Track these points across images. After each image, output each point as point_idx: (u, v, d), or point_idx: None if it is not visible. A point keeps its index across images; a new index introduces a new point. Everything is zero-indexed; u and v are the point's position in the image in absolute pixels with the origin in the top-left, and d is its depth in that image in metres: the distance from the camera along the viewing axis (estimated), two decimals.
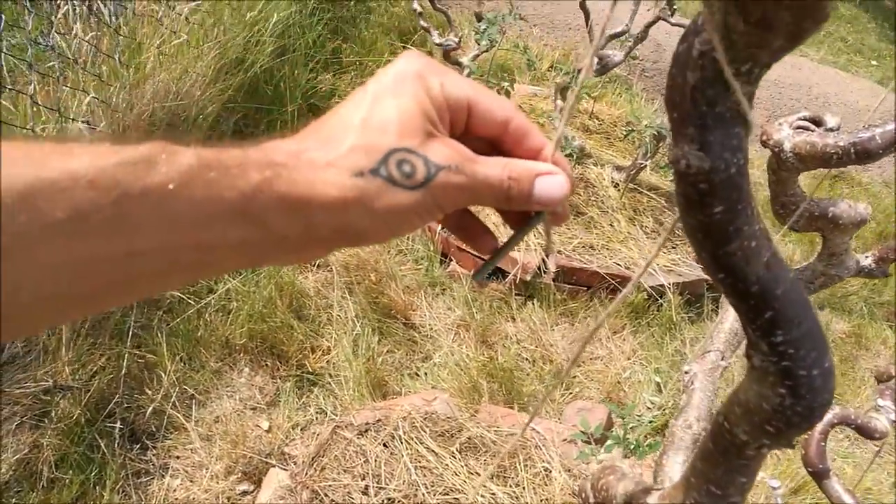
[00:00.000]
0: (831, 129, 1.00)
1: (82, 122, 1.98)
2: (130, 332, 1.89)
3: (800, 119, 1.01)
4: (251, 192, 0.32)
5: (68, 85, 2.02)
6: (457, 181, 0.37)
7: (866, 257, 1.14)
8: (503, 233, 0.47)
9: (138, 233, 0.29)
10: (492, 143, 0.41)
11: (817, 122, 1.02)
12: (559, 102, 2.91)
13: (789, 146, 0.96)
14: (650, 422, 2.10)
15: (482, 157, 0.38)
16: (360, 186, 0.34)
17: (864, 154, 0.86)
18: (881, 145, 0.86)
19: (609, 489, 0.65)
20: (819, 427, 0.70)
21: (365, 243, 0.37)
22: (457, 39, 2.95)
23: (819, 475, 0.68)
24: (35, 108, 1.92)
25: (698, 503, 0.48)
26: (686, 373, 1.09)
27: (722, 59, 0.29)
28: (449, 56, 2.97)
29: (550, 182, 0.40)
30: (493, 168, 0.38)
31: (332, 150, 0.35)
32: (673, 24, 2.95)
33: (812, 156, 0.92)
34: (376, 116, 0.36)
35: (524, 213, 0.43)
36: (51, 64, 2.02)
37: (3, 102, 1.96)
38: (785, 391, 0.40)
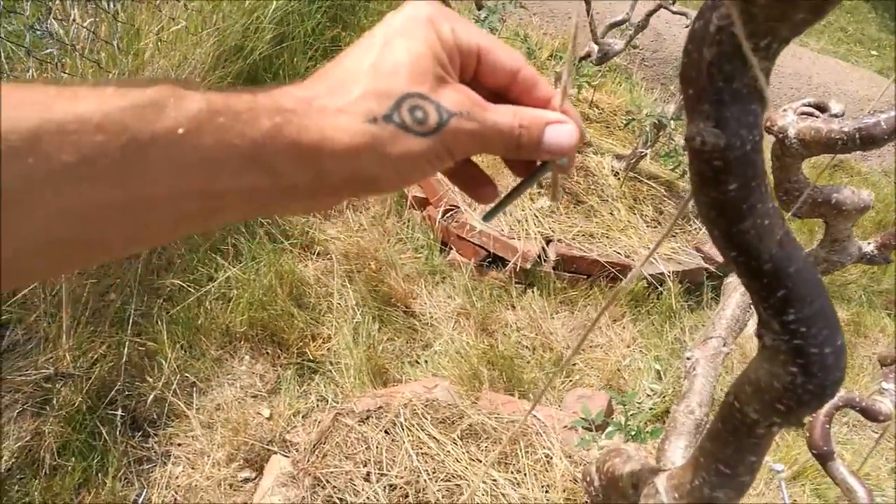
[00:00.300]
0: (836, 115, 1.00)
1: None
2: (131, 320, 1.89)
3: (804, 105, 1.01)
4: (261, 139, 0.31)
5: (66, 71, 2.01)
6: (468, 127, 0.36)
7: (868, 244, 1.15)
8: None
9: (146, 179, 0.29)
10: (499, 92, 0.40)
11: (822, 109, 1.02)
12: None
13: (794, 132, 0.96)
14: (650, 409, 2.11)
15: (492, 105, 0.38)
16: (372, 133, 0.34)
17: (868, 140, 0.86)
18: (886, 131, 0.86)
19: (615, 471, 0.65)
20: (824, 410, 0.70)
21: (375, 191, 0.36)
22: None
23: (824, 457, 0.68)
24: None
25: (707, 482, 0.48)
26: (688, 359, 1.10)
27: (741, 34, 0.29)
28: None
29: (560, 130, 0.39)
30: (504, 115, 0.38)
31: (342, 97, 0.34)
32: (674, 13, 2.94)
33: (817, 141, 0.92)
34: (387, 61, 0.35)
35: (531, 162, 0.43)
36: (49, 50, 2.00)
37: None
38: (796, 369, 0.40)
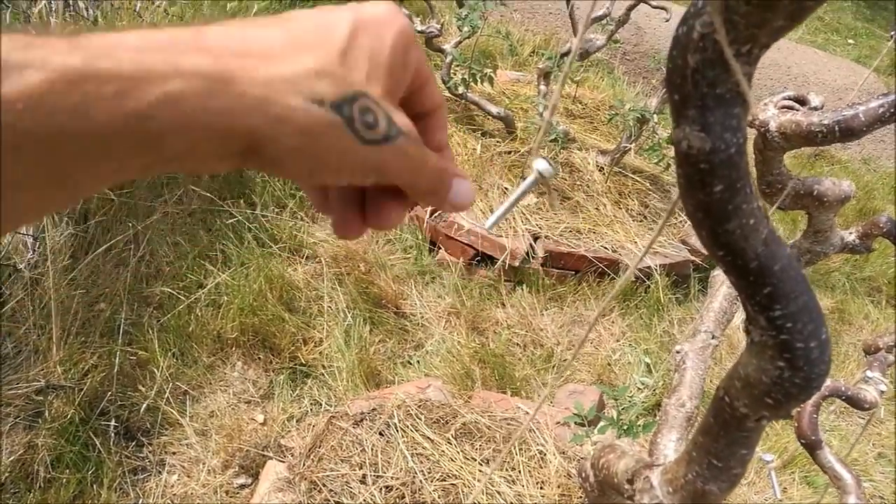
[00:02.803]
0: (815, 108, 1.01)
1: None
2: (121, 329, 1.88)
3: (785, 99, 1.02)
4: (141, 114, 0.25)
5: None
6: (410, 153, 0.33)
7: (850, 233, 1.17)
8: None
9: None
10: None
11: (801, 102, 1.03)
12: (542, 87, 2.91)
13: (775, 126, 0.97)
14: (642, 402, 2.13)
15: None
16: (312, 115, 0.29)
17: (848, 132, 0.88)
18: (865, 123, 0.87)
19: (610, 467, 0.66)
20: (811, 400, 0.72)
21: (274, 173, 0.31)
22: (438, 26, 2.94)
23: (812, 446, 0.69)
24: None
25: (700, 476, 0.49)
26: (678, 352, 1.11)
27: (723, 40, 0.30)
28: (431, 43, 2.96)
29: (464, 187, 0.37)
30: (432, 155, 0.35)
31: (290, 63, 0.29)
32: (654, 7, 2.96)
33: (797, 135, 0.93)
34: (351, 49, 0.31)
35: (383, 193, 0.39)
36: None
37: None
38: (784, 364, 0.41)
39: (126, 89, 0.24)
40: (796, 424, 0.71)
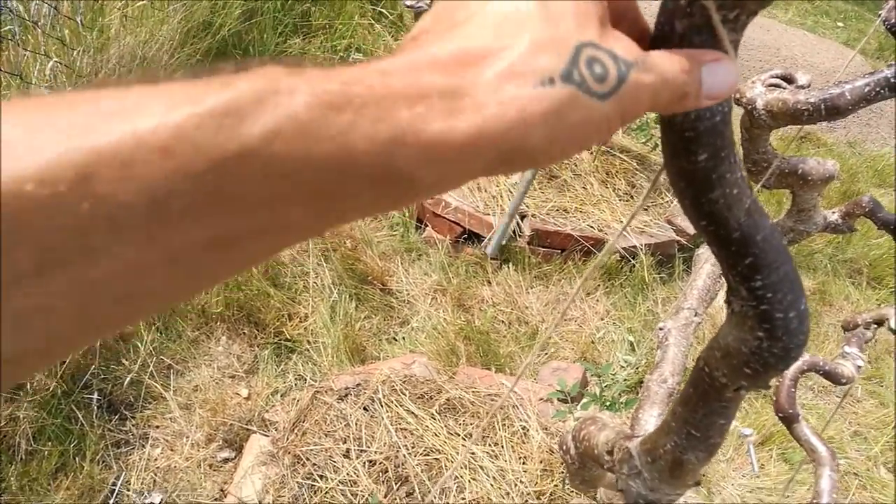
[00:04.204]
0: (802, 87, 1.02)
1: (45, 87, 1.92)
2: None
3: (772, 77, 1.02)
4: (399, 137, 0.23)
5: (29, 49, 1.95)
6: (647, 81, 0.29)
7: (833, 213, 1.18)
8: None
9: (233, 213, 0.21)
10: None
11: (789, 80, 1.03)
12: None
13: (762, 103, 0.97)
14: (624, 380, 2.15)
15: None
16: (549, 98, 0.26)
17: (833, 110, 0.88)
18: (850, 101, 0.87)
19: (591, 439, 0.67)
20: (789, 374, 0.73)
21: (521, 169, 0.28)
22: (428, 1, 2.91)
23: (789, 420, 0.70)
24: None
25: (679, 445, 0.50)
26: (660, 329, 1.12)
27: (711, 6, 0.30)
28: (420, 18, 2.93)
29: (719, 69, 0.31)
30: (665, 61, 0.30)
31: (504, 53, 0.26)
32: None
33: (784, 112, 0.94)
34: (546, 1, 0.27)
35: None
36: (8, 27, 1.95)
37: None
38: (763, 334, 0.41)
39: (380, 115, 0.23)
40: (775, 398, 0.72)
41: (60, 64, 1.99)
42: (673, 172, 0.37)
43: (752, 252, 0.39)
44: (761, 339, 0.41)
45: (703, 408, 0.48)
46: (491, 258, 0.64)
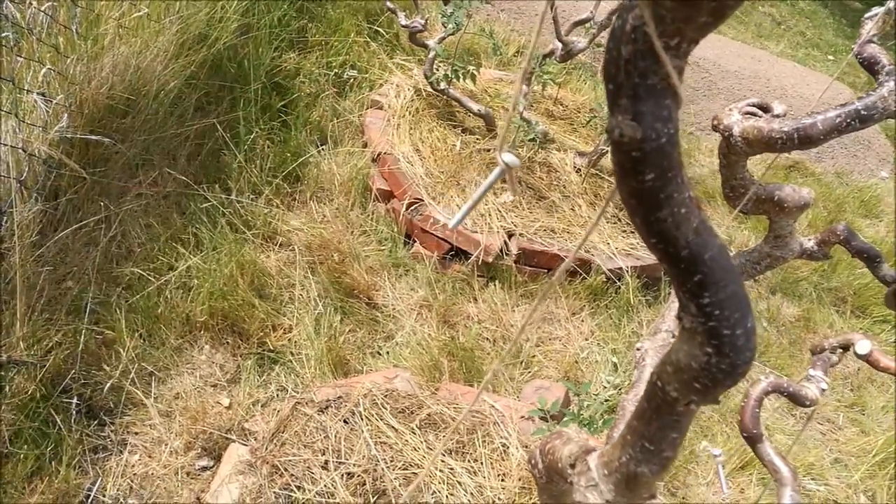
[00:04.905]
0: (777, 116, 1.04)
1: (38, 93, 1.93)
2: (88, 309, 1.87)
3: (749, 105, 1.05)
4: None
5: (23, 56, 1.97)
6: None
7: (809, 240, 1.20)
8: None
9: None
10: None
11: (765, 109, 1.06)
12: (524, 87, 2.93)
13: (738, 131, 1.00)
14: (606, 400, 2.16)
15: None
16: None
17: (806, 139, 0.90)
18: (822, 131, 0.90)
19: (555, 452, 0.68)
20: (754, 394, 0.74)
21: None
22: (423, 21, 2.95)
23: (753, 440, 0.72)
24: None
25: (633, 458, 0.51)
26: (638, 349, 1.14)
27: (652, 33, 0.32)
28: (415, 38, 2.97)
29: None
30: None
31: None
32: None
33: (758, 140, 0.96)
34: None
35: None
36: (4, 34, 1.96)
37: None
38: (711, 350, 0.43)
39: None
40: (739, 418, 0.73)
41: (53, 71, 2.01)
42: (624, 191, 0.39)
43: (701, 270, 0.41)
44: (710, 354, 0.43)
45: (656, 421, 0.49)
46: (452, 228, 0.66)
